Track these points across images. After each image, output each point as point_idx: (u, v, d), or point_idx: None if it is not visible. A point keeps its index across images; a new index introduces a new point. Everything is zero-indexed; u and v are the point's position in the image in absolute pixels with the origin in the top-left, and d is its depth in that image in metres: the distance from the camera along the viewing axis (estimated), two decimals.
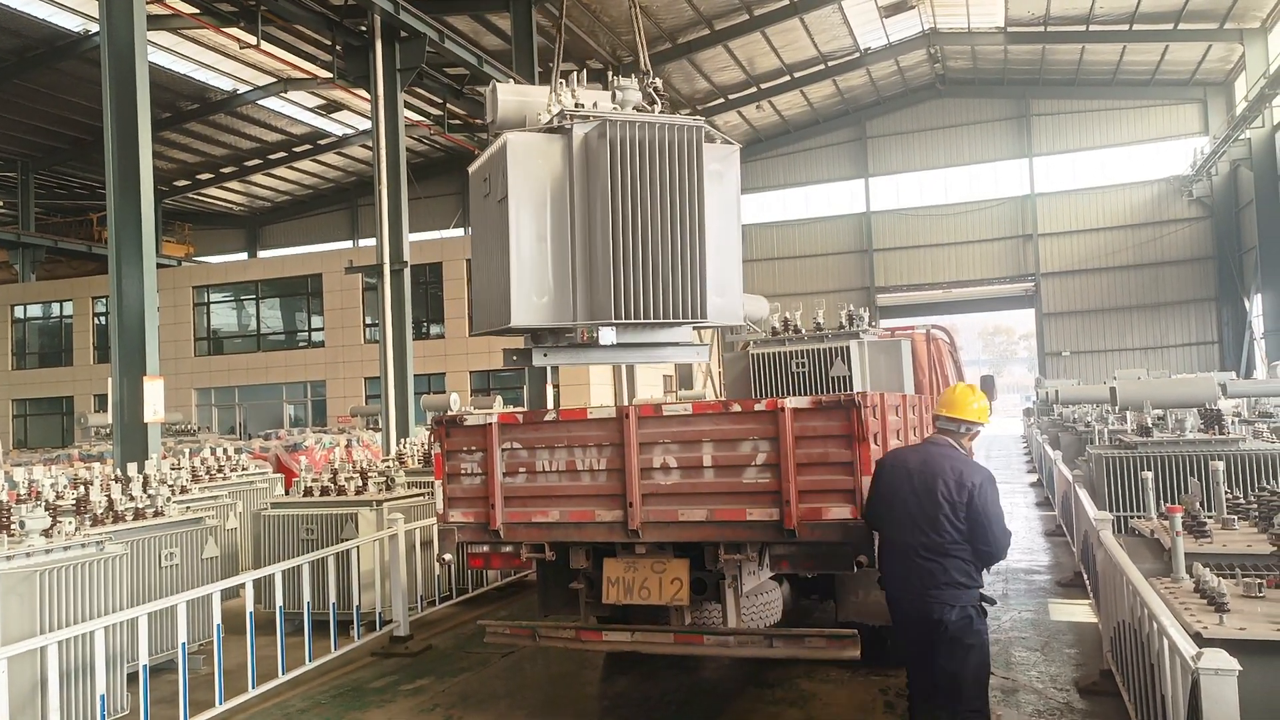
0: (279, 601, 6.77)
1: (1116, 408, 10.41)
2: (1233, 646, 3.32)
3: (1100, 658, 6.33)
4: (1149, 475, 7.17)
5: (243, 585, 6.47)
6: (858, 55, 32.43)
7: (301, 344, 31.79)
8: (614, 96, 5.88)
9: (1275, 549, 4.68)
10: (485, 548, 5.83)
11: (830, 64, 32.62)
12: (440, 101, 23.34)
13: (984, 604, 4.56)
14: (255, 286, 32.40)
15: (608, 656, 7.04)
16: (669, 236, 5.44)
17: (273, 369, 31.24)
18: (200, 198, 39.84)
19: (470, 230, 7.41)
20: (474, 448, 5.78)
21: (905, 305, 37.95)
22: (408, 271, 17.20)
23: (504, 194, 5.49)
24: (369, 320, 29.31)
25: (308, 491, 9.09)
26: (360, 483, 9.14)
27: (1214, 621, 3.72)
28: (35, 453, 21.26)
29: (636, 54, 7.34)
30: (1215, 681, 3.08)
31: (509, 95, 6.12)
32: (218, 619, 6.11)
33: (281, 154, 35.86)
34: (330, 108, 31.52)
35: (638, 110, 5.79)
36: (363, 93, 22.48)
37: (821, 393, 7.68)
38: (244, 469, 12.98)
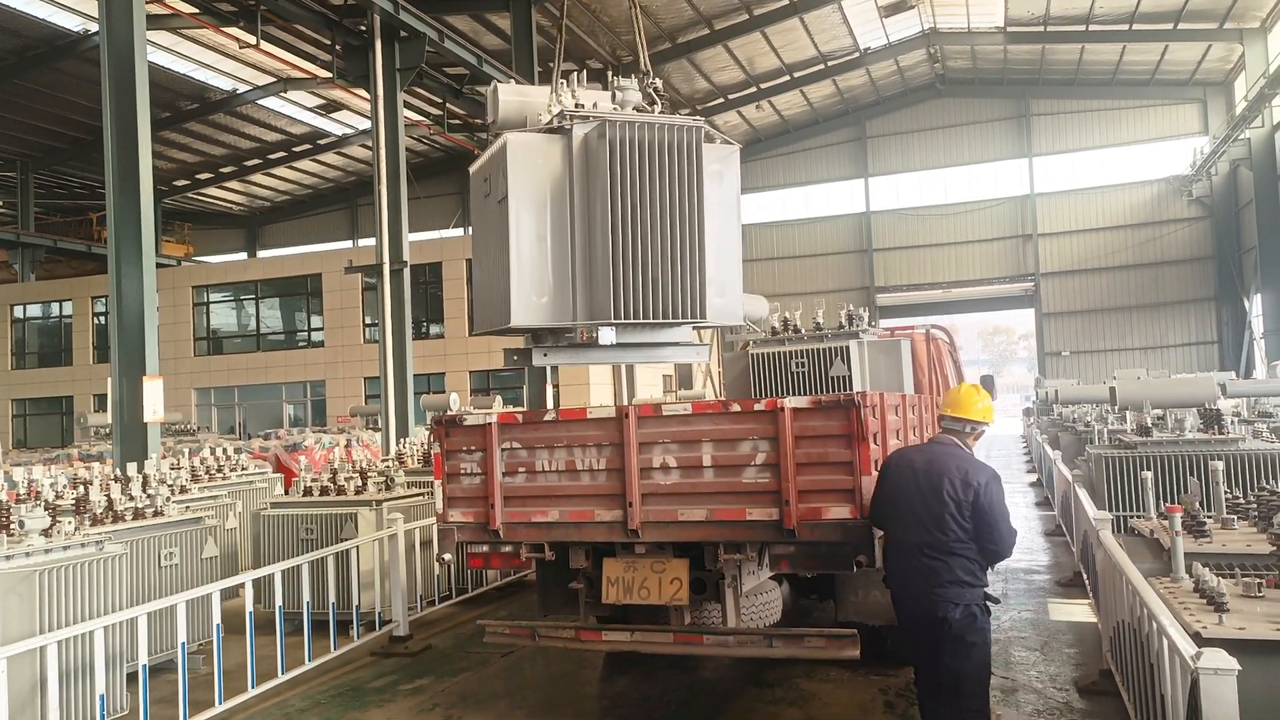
0: (278, 601, 6.78)
1: (1116, 407, 10.41)
2: (1232, 646, 3.33)
3: (1100, 657, 6.33)
4: (1148, 475, 7.18)
5: (242, 585, 6.47)
6: (857, 55, 32.42)
7: (301, 344, 31.79)
8: (614, 97, 5.88)
9: (1275, 549, 4.68)
10: (485, 547, 5.83)
11: (830, 64, 32.61)
12: (440, 101, 23.34)
13: (988, 603, 4.58)
14: (255, 286, 32.39)
15: (607, 656, 7.03)
16: (669, 236, 5.44)
17: (272, 369, 31.24)
18: (200, 197, 39.82)
19: (470, 230, 7.41)
20: (473, 447, 5.78)
21: (905, 305, 37.96)
22: (407, 271, 17.19)
23: (504, 194, 5.49)
24: (369, 320, 29.33)
25: (307, 491, 9.10)
26: (360, 483, 9.15)
27: (1213, 621, 3.73)
28: (35, 452, 21.29)
29: (636, 54, 7.34)
30: (1215, 681, 3.09)
31: (509, 95, 6.12)
32: (217, 619, 6.11)
33: (281, 154, 35.83)
34: (330, 107, 31.51)
35: (638, 110, 5.80)
36: (362, 92, 22.48)
37: (821, 393, 7.66)
38: (243, 469, 12.97)
